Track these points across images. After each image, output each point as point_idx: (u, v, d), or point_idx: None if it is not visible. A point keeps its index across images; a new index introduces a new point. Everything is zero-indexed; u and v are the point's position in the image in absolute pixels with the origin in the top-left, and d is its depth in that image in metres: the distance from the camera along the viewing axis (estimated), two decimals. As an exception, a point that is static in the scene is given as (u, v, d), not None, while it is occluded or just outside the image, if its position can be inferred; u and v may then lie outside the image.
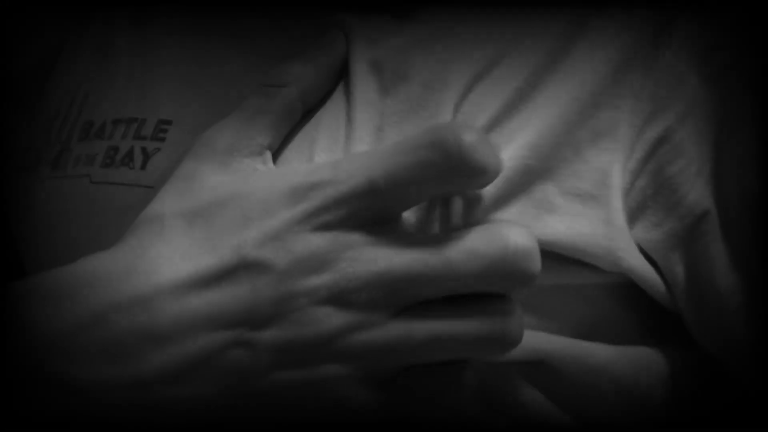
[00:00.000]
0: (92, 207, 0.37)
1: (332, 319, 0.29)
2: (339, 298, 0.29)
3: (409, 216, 0.31)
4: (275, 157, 0.33)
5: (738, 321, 0.31)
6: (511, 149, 0.32)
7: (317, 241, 0.29)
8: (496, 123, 0.32)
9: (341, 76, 0.34)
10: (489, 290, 0.29)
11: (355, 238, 0.29)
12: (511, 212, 0.31)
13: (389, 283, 0.29)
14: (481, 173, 0.29)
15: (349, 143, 0.32)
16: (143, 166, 0.36)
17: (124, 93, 0.38)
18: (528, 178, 0.32)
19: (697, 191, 0.32)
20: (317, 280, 0.29)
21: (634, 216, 0.32)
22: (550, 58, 0.32)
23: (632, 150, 0.32)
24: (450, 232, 0.30)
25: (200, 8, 0.39)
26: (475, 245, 0.29)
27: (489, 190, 0.31)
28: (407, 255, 0.29)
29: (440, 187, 0.29)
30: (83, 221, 0.38)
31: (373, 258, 0.29)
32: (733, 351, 0.32)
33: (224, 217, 0.30)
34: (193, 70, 0.37)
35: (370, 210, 0.29)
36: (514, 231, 0.29)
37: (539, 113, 0.32)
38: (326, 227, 0.29)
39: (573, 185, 0.32)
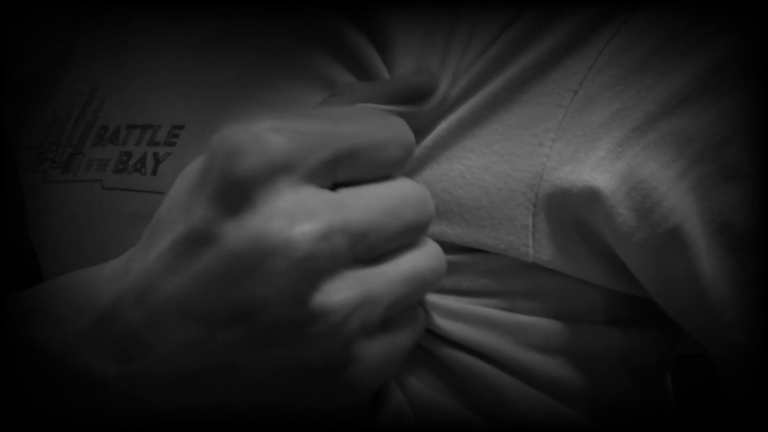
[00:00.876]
0: (103, 212, 0.37)
1: (305, 287, 0.26)
2: (305, 262, 0.26)
3: None
4: None
5: (736, 329, 0.30)
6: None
7: (271, 199, 0.26)
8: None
9: None
10: (416, 236, 0.30)
11: (306, 196, 0.27)
12: None
13: (351, 236, 0.27)
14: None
15: None
16: (154, 172, 0.35)
17: (140, 98, 0.38)
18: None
19: (674, 198, 0.30)
20: (276, 243, 0.25)
21: (604, 219, 0.31)
22: (499, 62, 0.32)
23: (592, 146, 0.31)
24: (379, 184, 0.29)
25: (207, 10, 0.38)
26: (417, 190, 0.29)
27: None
28: (362, 206, 0.27)
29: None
30: (95, 226, 0.37)
31: (329, 214, 0.27)
32: (729, 353, 0.31)
33: (182, 185, 0.28)
34: (207, 73, 0.37)
35: (337, 173, 0.28)
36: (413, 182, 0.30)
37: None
38: (279, 183, 0.26)
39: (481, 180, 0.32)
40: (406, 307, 0.30)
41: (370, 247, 0.28)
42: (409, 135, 0.30)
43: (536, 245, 0.32)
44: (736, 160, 0.30)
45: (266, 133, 0.26)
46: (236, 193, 0.26)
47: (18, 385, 0.28)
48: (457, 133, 0.32)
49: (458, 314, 0.33)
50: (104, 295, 0.28)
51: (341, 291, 0.26)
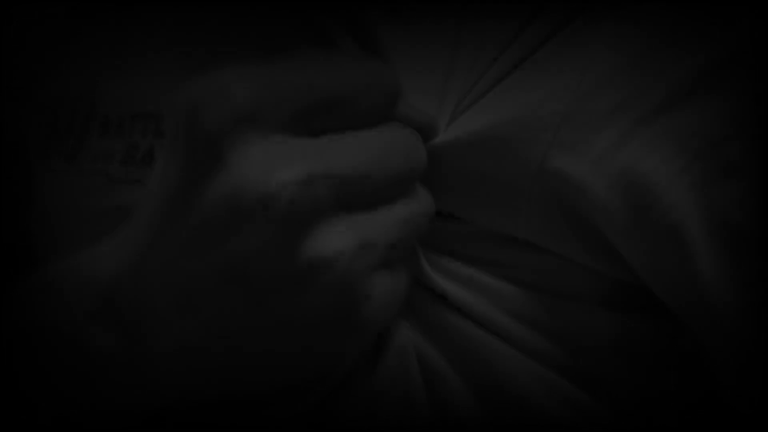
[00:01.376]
0: (108, 204, 0.37)
1: (293, 239, 0.25)
2: (288, 212, 0.25)
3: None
4: None
5: (735, 328, 0.30)
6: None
7: (241, 152, 0.25)
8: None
9: None
10: (408, 185, 0.29)
11: (281, 143, 0.25)
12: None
13: (336, 183, 0.26)
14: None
15: None
16: None
17: (141, 87, 0.38)
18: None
19: (674, 194, 0.30)
20: (253, 198, 0.24)
21: (601, 212, 0.31)
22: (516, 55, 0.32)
23: (595, 136, 0.30)
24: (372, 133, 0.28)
25: (209, 7, 0.38)
26: (407, 137, 0.28)
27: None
28: (346, 151, 0.26)
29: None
30: (100, 218, 0.37)
31: (308, 160, 0.25)
32: (728, 351, 0.31)
33: (162, 151, 0.28)
34: (205, 60, 0.37)
35: (313, 124, 0.26)
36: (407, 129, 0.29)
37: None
38: (247, 134, 0.25)
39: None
40: (403, 248, 0.29)
41: (359, 195, 0.26)
42: (392, 81, 0.29)
43: (530, 228, 0.32)
44: (738, 157, 0.29)
45: (229, 83, 0.25)
46: (204, 152, 0.25)
47: (29, 370, 0.28)
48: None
49: (450, 270, 0.32)
50: (105, 274, 0.28)
51: (336, 239, 0.25)
